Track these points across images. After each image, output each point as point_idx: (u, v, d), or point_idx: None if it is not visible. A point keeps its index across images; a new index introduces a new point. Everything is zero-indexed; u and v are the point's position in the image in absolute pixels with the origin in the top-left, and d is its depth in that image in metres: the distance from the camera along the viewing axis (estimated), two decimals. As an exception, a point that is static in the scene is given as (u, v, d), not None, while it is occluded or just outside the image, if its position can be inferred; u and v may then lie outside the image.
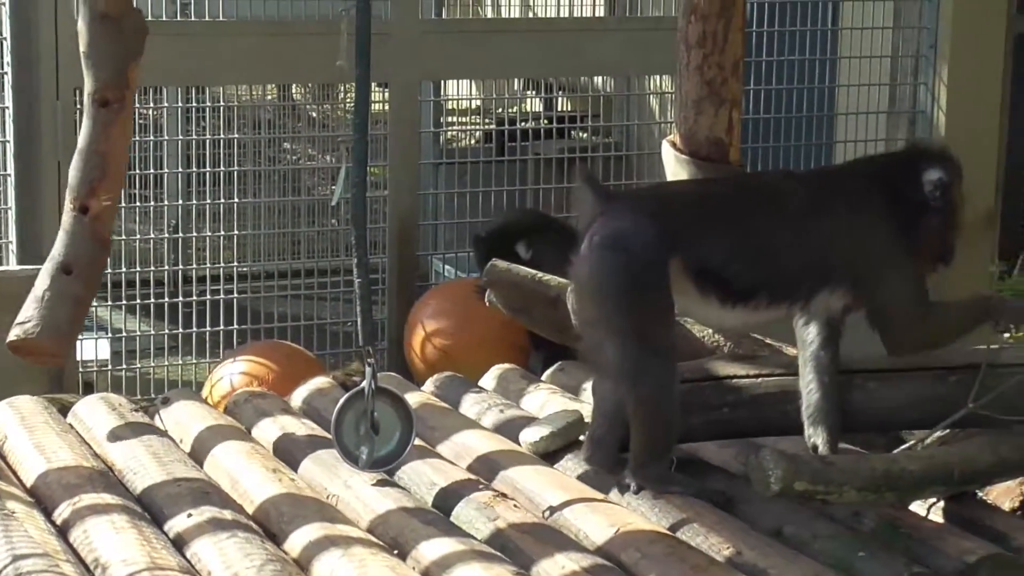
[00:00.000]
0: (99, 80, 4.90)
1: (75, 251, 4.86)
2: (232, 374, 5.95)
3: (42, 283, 4.84)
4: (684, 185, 5.23)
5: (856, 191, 4.38)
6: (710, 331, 4.98)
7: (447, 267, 7.33)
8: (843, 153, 7.23)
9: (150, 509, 4.09)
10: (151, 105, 7.98)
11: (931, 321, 4.35)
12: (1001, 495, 4.40)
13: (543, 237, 6.26)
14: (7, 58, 6.22)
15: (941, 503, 4.21)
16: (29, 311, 4.80)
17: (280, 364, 5.96)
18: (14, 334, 4.77)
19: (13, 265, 6.22)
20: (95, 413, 4.88)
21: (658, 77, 7.51)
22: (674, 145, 5.62)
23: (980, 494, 4.34)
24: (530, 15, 8.23)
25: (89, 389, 5.88)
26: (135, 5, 6.22)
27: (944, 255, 4.43)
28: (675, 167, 5.59)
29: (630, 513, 4.09)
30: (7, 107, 6.24)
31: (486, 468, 4.46)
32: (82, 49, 4.93)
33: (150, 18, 6.54)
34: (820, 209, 4.30)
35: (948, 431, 4.39)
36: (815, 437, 4.30)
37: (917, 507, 4.18)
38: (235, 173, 7.05)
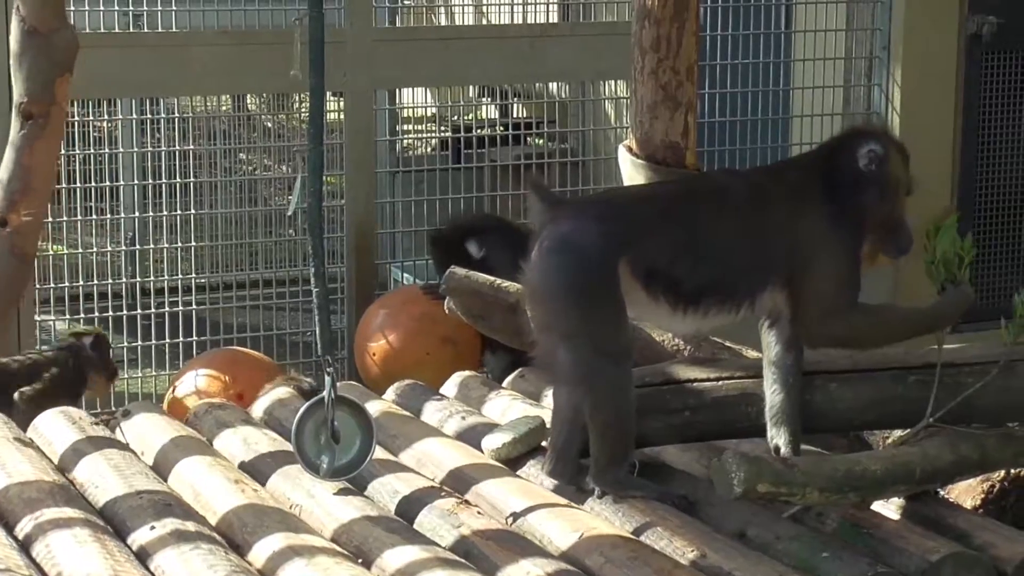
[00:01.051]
0: (25, 93, 4.86)
1: None
2: (197, 384, 5.94)
3: None
4: (631, 189, 5.25)
5: (793, 184, 4.39)
6: (670, 335, 5.00)
7: (406, 275, 7.33)
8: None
9: (112, 522, 4.08)
10: (105, 117, 7.97)
11: (853, 317, 4.35)
12: (963, 494, 4.43)
13: (494, 236, 6.28)
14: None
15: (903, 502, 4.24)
16: None
17: (244, 372, 5.97)
18: None
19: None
20: (55, 427, 4.86)
21: (613, 82, 7.53)
22: (630, 150, 5.64)
23: (942, 493, 4.36)
24: (484, 22, 8.24)
25: (49, 403, 5.85)
26: (83, 18, 6.24)
27: (895, 234, 4.41)
28: (632, 172, 5.61)
29: (593, 518, 4.10)
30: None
31: (449, 475, 4.46)
32: (11, 62, 4.89)
33: (102, 30, 6.56)
34: (757, 204, 4.32)
35: (909, 430, 4.41)
36: (777, 438, 4.31)
37: (879, 507, 4.20)
38: (191, 184, 7.04)
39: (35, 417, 4.98)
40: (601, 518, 4.11)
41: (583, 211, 4.28)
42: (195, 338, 6.64)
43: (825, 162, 4.40)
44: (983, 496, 4.42)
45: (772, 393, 4.35)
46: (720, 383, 4.47)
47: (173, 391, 5.97)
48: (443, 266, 6.17)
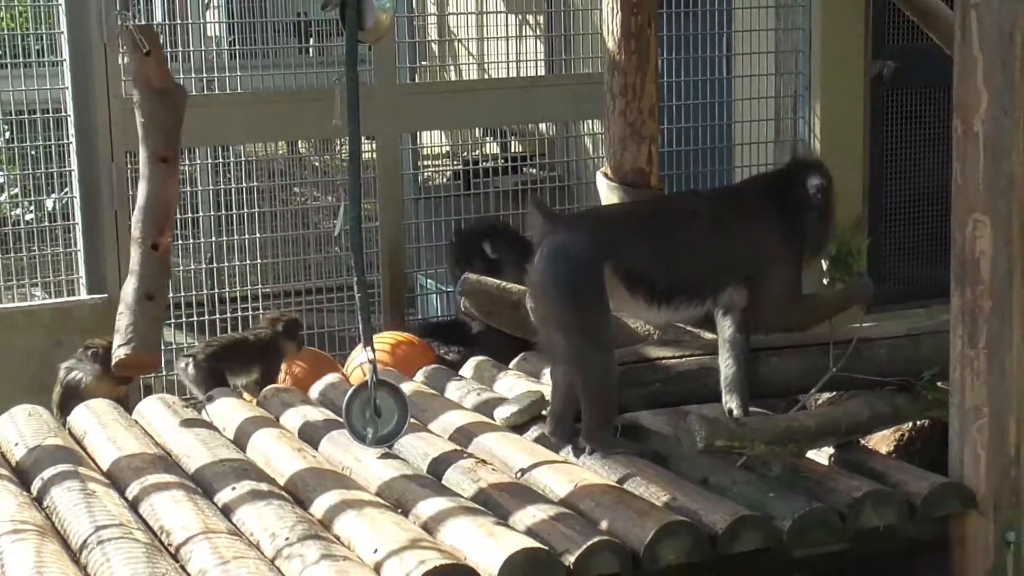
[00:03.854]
0: (158, 143, 4.89)
1: (152, 281, 4.86)
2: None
3: (130, 310, 4.83)
4: (614, 207, 5.23)
5: (750, 203, 4.40)
6: (642, 323, 4.99)
7: (429, 281, 7.32)
8: (741, 176, 7.25)
9: (201, 485, 4.08)
10: (187, 162, 7.94)
11: (799, 309, 4.36)
12: (879, 442, 4.42)
13: (503, 241, 6.25)
14: (71, 130, 6.19)
15: (832, 450, 4.23)
16: (127, 334, 4.80)
17: (308, 363, 5.97)
18: (120, 355, 4.78)
19: (84, 295, 6.21)
20: (154, 410, 4.87)
21: (590, 121, 7.51)
22: (606, 175, 5.63)
23: (863, 442, 4.35)
24: (485, 76, 8.21)
25: (148, 392, 5.85)
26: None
27: (823, 244, 4.45)
28: (608, 193, 5.60)
29: (585, 471, 4.10)
30: (73, 169, 6.22)
31: (468, 440, 4.46)
32: (140, 120, 4.90)
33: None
34: (721, 220, 4.32)
35: (836, 394, 4.40)
36: (731, 403, 4.31)
37: (813, 455, 4.20)
38: (256, 214, 7.02)
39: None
40: (591, 471, 4.11)
41: (575, 225, 4.28)
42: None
43: (777, 188, 4.41)
44: (895, 443, 4.41)
45: (726, 367, 4.35)
46: (683, 360, 4.47)
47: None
48: (464, 253, 6.14)
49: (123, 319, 4.84)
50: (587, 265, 4.12)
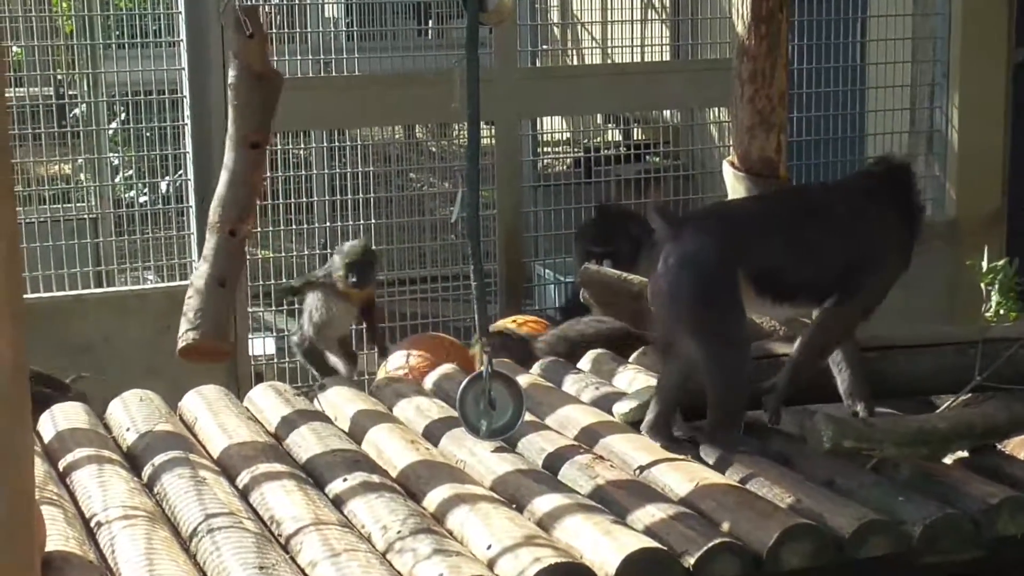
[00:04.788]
0: (250, 127, 4.88)
1: (226, 267, 4.85)
2: (408, 359, 5.90)
3: (199, 295, 4.79)
4: (738, 203, 5.16)
5: (874, 201, 4.34)
6: (767, 318, 4.94)
7: (547, 271, 7.32)
8: (873, 167, 7.16)
9: (312, 475, 4.11)
10: (302, 146, 8.02)
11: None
12: (1017, 447, 4.33)
13: (639, 228, 6.19)
14: (187, 112, 6.27)
15: (966, 454, 4.16)
16: (195, 319, 4.76)
17: (440, 352, 5.94)
18: (189, 339, 4.73)
19: (197, 279, 6.27)
20: (265, 398, 4.91)
21: (716, 108, 7.47)
22: (732, 164, 5.59)
23: (999, 446, 4.27)
24: (608, 61, 8.19)
25: (259, 379, 5.91)
26: (283, 65, 6.29)
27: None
28: (734, 183, 5.56)
29: (706, 470, 4.06)
30: (188, 152, 6.29)
31: (585, 435, 4.44)
32: (234, 102, 4.90)
33: (299, 75, 6.60)
34: (852, 217, 4.27)
35: (971, 394, 4.32)
36: (855, 405, 4.26)
37: (945, 459, 4.13)
38: (371, 199, 7.07)
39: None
40: (713, 470, 4.07)
41: (704, 229, 4.20)
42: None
43: (890, 189, 4.35)
44: (1035, 449, 4.32)
45: (840, 370, 4.31)
46: (810, 357, 4.41)
47: (385, 366, 5.91)
48: (604, 230, 6.07)
49: (192, 303, 4.79)
50: (722, 272, 4.09)
